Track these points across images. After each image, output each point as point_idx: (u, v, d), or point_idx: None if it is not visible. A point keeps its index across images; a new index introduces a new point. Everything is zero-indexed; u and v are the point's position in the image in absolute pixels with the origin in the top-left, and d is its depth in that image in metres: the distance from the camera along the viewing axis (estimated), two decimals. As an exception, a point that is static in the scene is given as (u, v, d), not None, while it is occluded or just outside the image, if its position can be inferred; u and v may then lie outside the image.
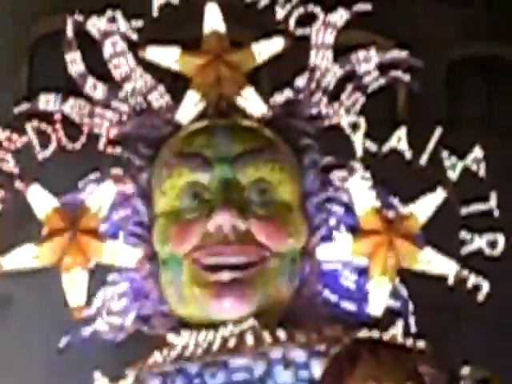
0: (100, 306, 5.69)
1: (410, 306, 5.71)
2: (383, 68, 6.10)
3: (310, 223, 5.63)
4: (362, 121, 5.83)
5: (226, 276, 5.29)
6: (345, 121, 5.83)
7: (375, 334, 4.76)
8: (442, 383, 4.79)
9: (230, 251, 5.31)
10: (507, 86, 11.35)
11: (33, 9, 11.20)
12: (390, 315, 5.48)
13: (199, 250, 5.36)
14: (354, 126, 5.81)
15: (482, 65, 13.25)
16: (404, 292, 5.72)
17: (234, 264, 5.31)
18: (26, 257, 5.62)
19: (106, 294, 5.71)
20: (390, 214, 5.63)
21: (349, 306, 5.68)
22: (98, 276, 5.70)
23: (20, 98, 6.19)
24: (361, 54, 6.08)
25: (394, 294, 5.66)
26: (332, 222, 5.72)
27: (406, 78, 6.11)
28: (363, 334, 4.90)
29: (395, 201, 5.73)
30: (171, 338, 5.42)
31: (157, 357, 5.37)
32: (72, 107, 6.04)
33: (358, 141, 5.77)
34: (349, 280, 5.71)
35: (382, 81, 6.09)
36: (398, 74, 6.12)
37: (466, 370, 4.62)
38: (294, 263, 5.52)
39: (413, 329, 5.61)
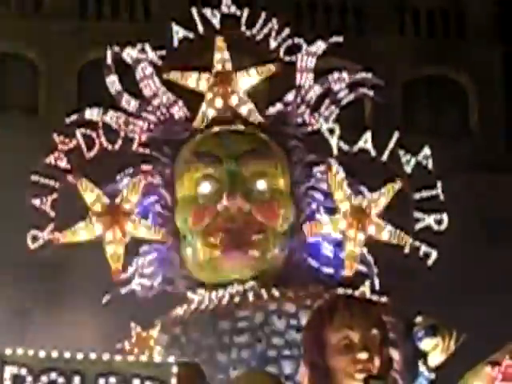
0: (134, 271, 5.77)
1: (375, 270, 5.80)
2: (353, 86, 6.16)
3: (297, 206, 5.75)
4: (336, 127, 5.91)
5: (230, 238, 5.42)
6: (323, 127, 5.91)
7: (348, 291, 4.81)
8: (400, 330, 4.85)
9: (235, 227, 5.44)
10: (449, 99, 11.42)
11: (82, 41, 11.27)
12: (360, 277, 5.56)
13: (211, 225, 5.49)
14: (331, 131, 5.88)
15: (430, 82, 13.39)
16: (370, 259, 5.81)
17: (237, 232, 5.44)
18: (77, 233, 5.71)
19: (138, 262, 5.80)
20: (359, 199, 5.70)
21: (328, 270, 5.77)
22: (133, 248, 5.79)
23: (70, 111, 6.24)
24: (335, 75, 6.13)
25: (363, 261, 5.75)
26: (314, 205, 5.81)
27: (371, 93, 6.19)
28: (339, 291, 4.87)
29: (363, 188, 5.81)
30: (190, 295, 5.54)
31: (178, 310, 5.50)
32: (111, 117, 6.10)
33: (334, 142, 5.85)
34: (328, 250, 5.80)
35: (352, 96, 6.16)
36: (364, 90, 6.20)
37: (418, 319, 4.66)
38: (285, 237, 5.65)
39: (377, 287, 5.68)
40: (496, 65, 14.19)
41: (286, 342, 5.24)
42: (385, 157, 5.84)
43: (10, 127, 9.53)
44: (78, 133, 5.98)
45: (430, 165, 5.84)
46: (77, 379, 2.99)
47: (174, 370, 3.15)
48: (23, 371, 2.99)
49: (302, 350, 4.63)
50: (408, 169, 5.82)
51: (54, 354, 3.04)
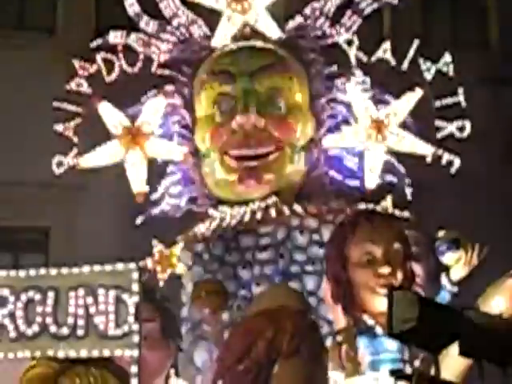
0: (163, 192, 5.32)
1: (407, 180, 5.24)
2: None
3: (317, 119, 5.17)
4: (354, 38, 5.31)
5: (246, 164, 4.92)
6: (341, 38, 5.30)
7: (371, 205, 4.36)
8: (422, 244, 4.43)
9: (250, 144, 4.92)
10: (468, 10, 10.66)
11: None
12: (382, 191, 5.02)
13: (227, 144, 4.98)
14: (349, 42, 5.29)
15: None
16: (401, 168, 5.23)
17: (253, 155, 4.92)
18: (99, 157, 5.25)
19: (166, 183, 5.33)
20: (379, 110, 5.12)
21: (352, 182, 5.22)
22: (161, 169, 5.34)
23: (89, 35, 5.78)
24: None
25: (392, 171, 5.19)
26: (335, 117, 5.24)
27: (395, 1, 5.50)
28: (361, 206, 4.46)
29: (388, 97, 5.21)
30: (212, 212, 5.05)
31: (201, 227, 5.03)
32: (133, 40, 5.55)
33: (352, 53, 5.25)
34: (351, 162, 5.24)
35: (376, 5, 5.48)
36: None
37: (441, 233, 4.20)
38: (304, 151, 5.09)
39: (409, 198, 5.17)
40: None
41: (308, 258, 4.80)
42: (405, 65, 5.23)
43: (27, 47, 9.12)
44: (99, 57, 5.45)
45: (451, 72, 5.22)
46: (51, 294, 2.82)
47: (135, 276, 2.81)
48: (6, 292, 2.83)
49: (324, 265, 4.22)
50: (428, 76, 5.20)
51: (32, 272, 2.87)
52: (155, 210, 5.29)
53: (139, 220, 5.30)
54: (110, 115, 5.24)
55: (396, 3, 5.53)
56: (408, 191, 5.21)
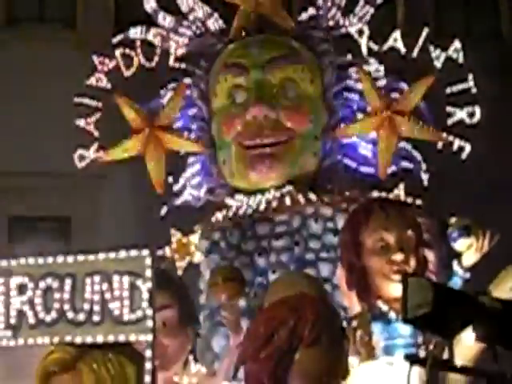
0: (184, 183, 5.25)
1: (423, 166, 5.11)
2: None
3: (330, 109, 5.05)
4: (365, 27, 5.17)
5: (259, 151, 4.83)
6: (352, 29, 5.18)
7: (383, 194, 4.29)
8: (434, 231, 4.33)
9: (264, 134, 4.83)
10: (481, 1, 10.43)
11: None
12: (397, 178, 4.92)
13: (241, 135, 4.89)
14: (360, 32, 5.15)
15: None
16: (417, 155, 5.10)
17: (266, 143, 4.83)
18: (120, 150, 5.16)
19: (187, 174, 5.26)
20: (390, 97, 4.99)
21: (367, 169, 5.10)
22: (182, 161, 5.26)
23: (108, 30, 5.68)
24: None
25: (408, 158, 5.07)
26: (348, 106, 5.12)
27: None
28: (374, 194, 4.48)
29: (403, 84, 5.08)
30: (228, 201, 4.97)
31: (218, 216, 4.95)
32: (153, 35, 5.46)
33: (364, 43, 5.13)
34: (366, 149, 5.11)
35: None
36: None
37: (452, 220, 4.11)
38: (318, 140, 4.98)
39: (425, 183, 5.04)
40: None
41: (323, 245, 4.70)
42: (415, 53, 5.09)
43: (48, 40, 9.08)
44: (118, 52, 5.37)
45: (461, 59, 5.08)
46: (69, 281, 2.77)
47: (148, 262, 2.73)
48: (26, 279, 2.78)
49: (338, 252, 4.16)
50: (438, 64, 5.06)
51: (50, 260, 2.81)
52: (177, 201, 5.23)
53: (163, 211, 5.23)
54: (129, 109, 5.13)
55: None
56: (424, 177, 5.09)
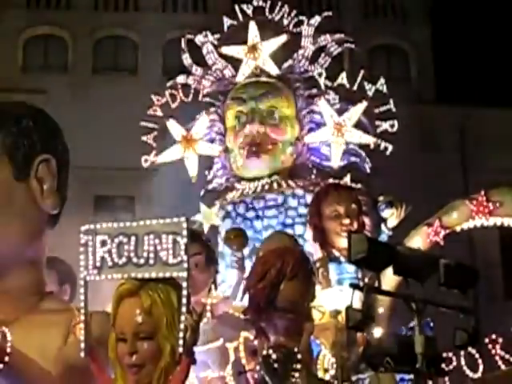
0: (213, 175, 5.00)
1: (367, 161, 4.80)
2: (339, 43, 5.07)
3: (300, 124, 4.81)
4: (323, 71, 4.92)
5: (252, 148, 4.64)
6: (315, 72, 4.91)
7: (336, 181, 4.17)
8: (369, 204, 4.19)
9: (256, 143, 4.63)
10: (397, 54, 10.08)
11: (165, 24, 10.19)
12: (352, 165, 4.70)
13: (243, 143, 4.69)
14: (320, 74, 4.89)
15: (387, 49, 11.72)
16: (362, 152, 4.81)
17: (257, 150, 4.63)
18: (167, 155, 4.96)
19: (214, 169, 5.00)
20: (340, 116, 4.73)
21: (327, 163, 4.80)
22: (207, 162, 5.01)
23: (159, 76, 5.39)
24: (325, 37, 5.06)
25: (355, 155, 4.77)
26: (313, 123, 4.85)
27: (352, 45, 5.15)
28: (330, 181, 4.32)
29: (350, 106, 4.76)
30: (237, 185, 4.77)
31: (230, 195, 4.73)
32: (190, 80, 5.20)
33: (322, 81, 4.86)
34: (325, 150, 4.82)
35: (340, 49, 5.06)
36: (347, 45, 5.12)
37: (381, 197, 4.07)
38: (293, 145, 4.75)
39: (368, 172, 4.74)
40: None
41: (298, 214, 4.50)
42: (355, 87, 4.83)
43: (119, 84, 8.90)
44: (167, 92, 5.13)
45: (385, 90, 4.80)
46: (133, 238, 2.60)
47: (185, 225, 2.55)
48: (105, 237, 2.63)
49: (308, 218, 4.10)
50: (370, 93, 4.79)
51: (121, 224, 2.65)
52: (210, 186, 4.99)
53: (202, 193, 4.96)
54: (174, 128, 4.94)
55: (353, 47, 5.22)
56: (367, 167, 4.80)
